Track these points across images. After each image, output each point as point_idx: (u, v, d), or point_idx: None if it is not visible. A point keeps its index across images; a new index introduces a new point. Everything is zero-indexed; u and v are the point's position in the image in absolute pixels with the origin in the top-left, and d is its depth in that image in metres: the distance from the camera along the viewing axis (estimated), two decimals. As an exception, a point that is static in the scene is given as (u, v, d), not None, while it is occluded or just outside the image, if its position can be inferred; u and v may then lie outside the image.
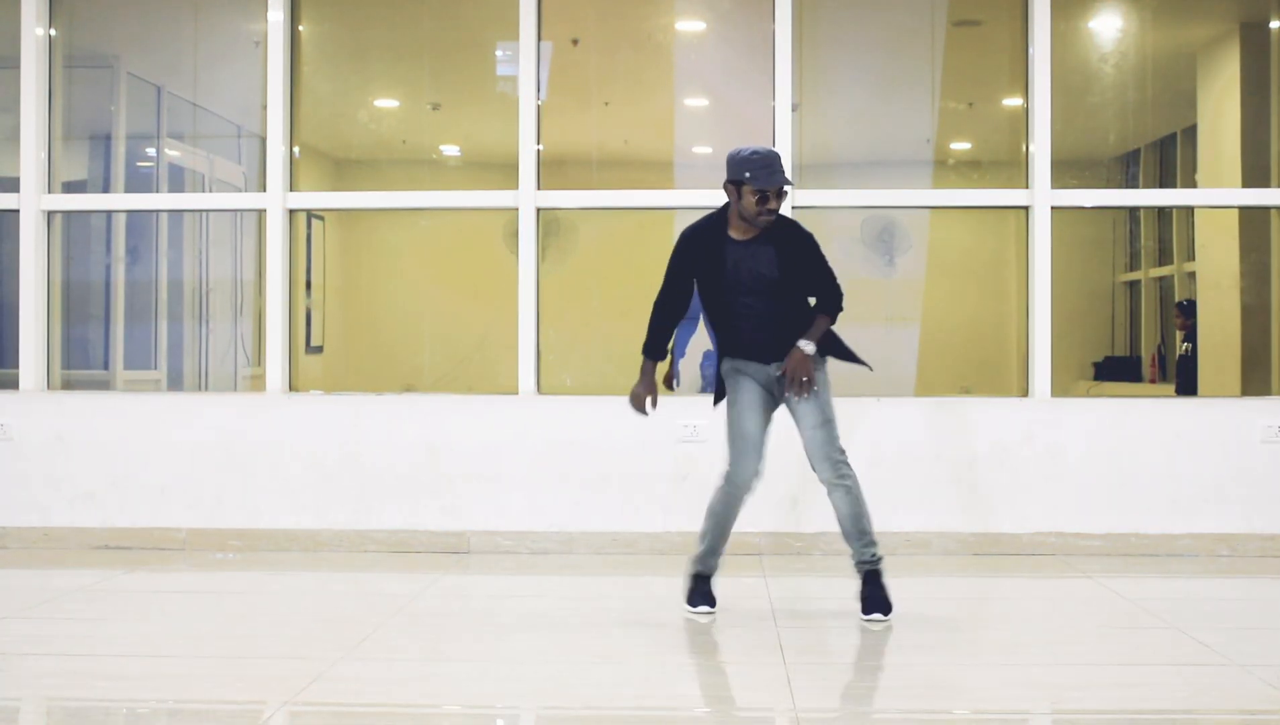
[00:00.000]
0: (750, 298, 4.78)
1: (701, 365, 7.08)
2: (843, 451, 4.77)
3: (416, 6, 7.52)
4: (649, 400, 4.92)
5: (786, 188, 4.74)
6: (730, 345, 4.87)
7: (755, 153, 4.71)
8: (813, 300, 4.89)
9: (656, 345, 4.95)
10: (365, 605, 5.26)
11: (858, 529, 4.78)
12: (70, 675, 4.13)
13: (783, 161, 4.83)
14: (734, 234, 4.79)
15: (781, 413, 4.92)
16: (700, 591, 4.97)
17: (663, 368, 4.90)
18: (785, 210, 5.64)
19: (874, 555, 4.80)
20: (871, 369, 4.98)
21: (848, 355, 4.91)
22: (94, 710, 3.82)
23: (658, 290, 4.93)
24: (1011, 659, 4.36)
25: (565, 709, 3.79)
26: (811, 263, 4.83)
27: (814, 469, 4.80)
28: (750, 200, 4.69)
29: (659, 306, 4.93)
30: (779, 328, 4.79)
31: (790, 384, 4.71)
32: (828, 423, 4.76)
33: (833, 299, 4.86)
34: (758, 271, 4.76)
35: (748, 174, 4.68)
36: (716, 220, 4.84)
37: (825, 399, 4.79)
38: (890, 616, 4.77)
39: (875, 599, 4.79)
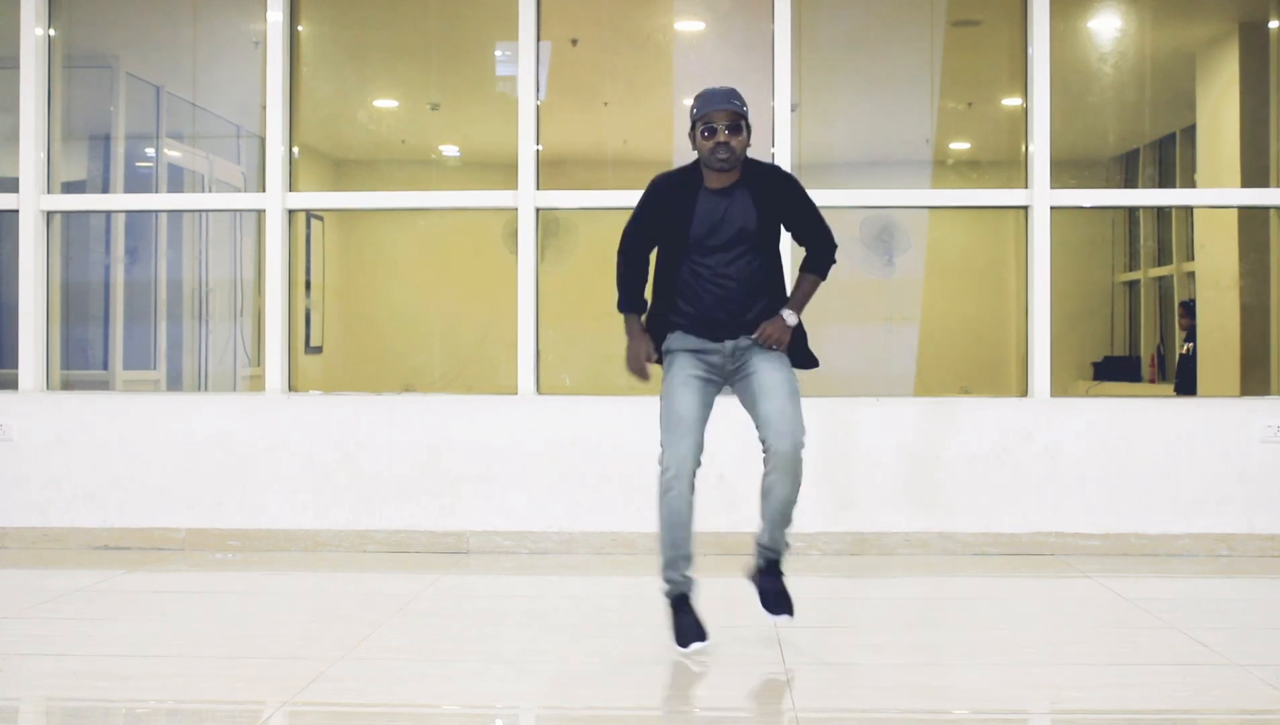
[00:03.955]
0: (723, 256, 4.31)
1: None
2: (805, 432, 4.32)
3: (416, 7, 7.52)
4: (646, 360, 4.45)
5: (742, 119, 4.26)
6: (687, 318, 4.39)
7: (708, 90, 4.31)
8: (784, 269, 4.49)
9: (634, 297, 4.49)
10: (365, 605, 5.26)
11: (786, 517, 4.39)
12: (70, 675, 4.12)
13: (739, 97, 4.32)
14: (709, 183, 4.33)
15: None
16: (682, 624, 4.36)
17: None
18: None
19: (789, 545, 4.49)
20: (818, 365, 4.52)
21: (805, 359, 4.49)
22: (93, 710, 3.82)
23: (619, 245, 4.52)
24: (1011, 659, 4.36)
25: (565, 709, 3.79)
26: (797, 205, 4.39)
27: (768, 443, 4.28)
28: (701, 140, 4.27)
29: (626, 262, 4.49)
30: (748, 297, 4.36)
31: (762, 339, 4.32)
32: (796, 396, 4.32)
33: (825, 249, 4.46)
34: (734, 223, 4.30)
35: (694, 109, 4.28)
36: (690, 169, 4.40)
37: (792, 376, 4.37)
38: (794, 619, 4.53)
39: (784, 598, 4.50)
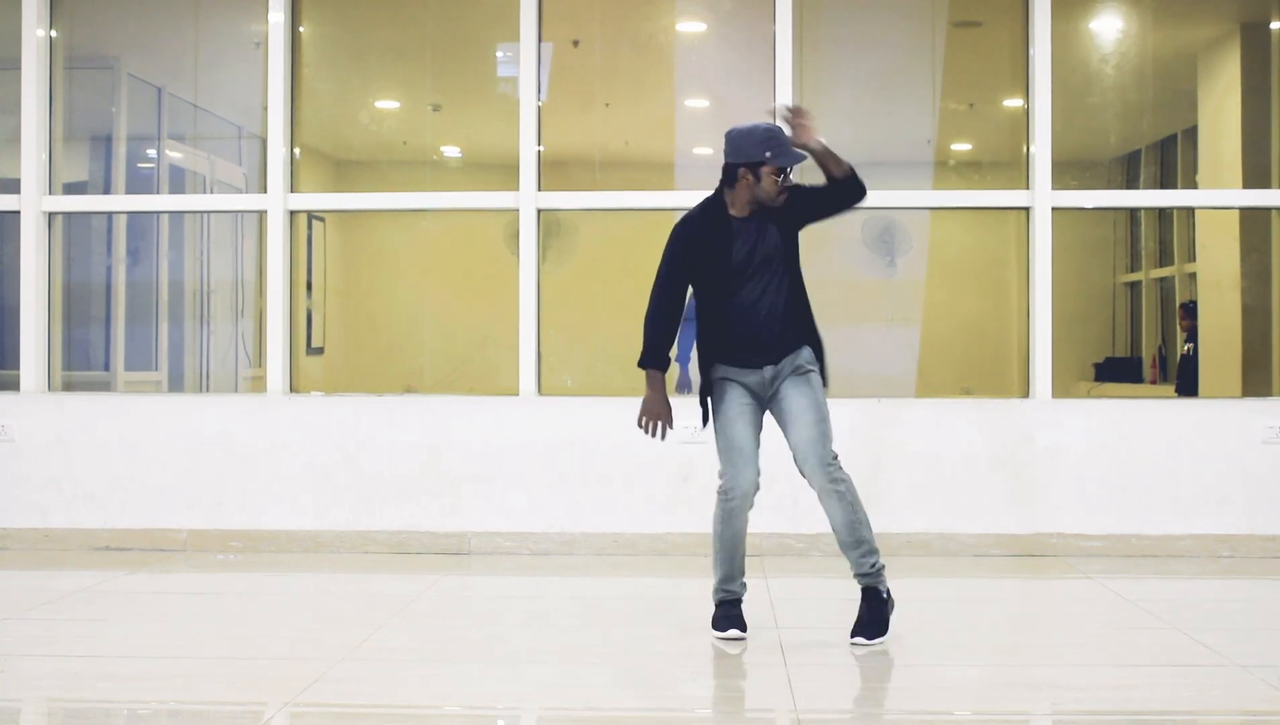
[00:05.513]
0: (757, 282, 4.44)
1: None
2: (835, 455, 4.40)
3: (417, 8, 7.52)
4: (664, 422, 4.54)
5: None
6: (724, 348, 4.50)
7: (770, 131, 4.44)
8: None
9: (661, 355, 4.54)
10: (366, 606, 5.26)
11: (854, 538, 4.40)
12: (71, 676, 4.13)
13: None
14: (735, 212, 4.46)
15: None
16: (727, 615, 4.55)
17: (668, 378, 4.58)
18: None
19: (874, 566, 4.42)
20: (825, 385, 4.55)
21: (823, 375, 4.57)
22: (95, 711, 3.82)
23: (650, 295, 4.54)
24: (1012, 659, 4.36)
25: (566, 710, 3.79)
26: (804, 192, 4.55)
27: (804, 474, 4.43)
28: (771, 181, 4.40)
29: (658, 311, 4.52)
30: (781, 322, 4.46)
31: (796, 128, 4.48)
32: (822, 421, 4.41)
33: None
34: (767, 246, 4.45)
35: (768, 154, 4.39)
36: (713, 204, 4.50)
37: (819, 398, 4.45)
38: (879, 641, 4.39)
39: (866, 622, 4.42)
